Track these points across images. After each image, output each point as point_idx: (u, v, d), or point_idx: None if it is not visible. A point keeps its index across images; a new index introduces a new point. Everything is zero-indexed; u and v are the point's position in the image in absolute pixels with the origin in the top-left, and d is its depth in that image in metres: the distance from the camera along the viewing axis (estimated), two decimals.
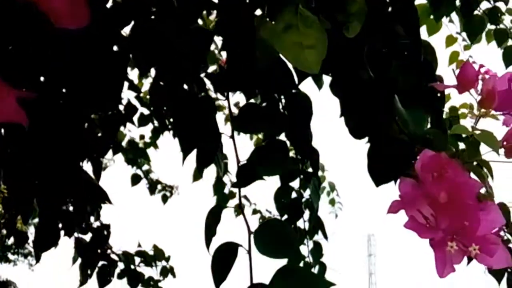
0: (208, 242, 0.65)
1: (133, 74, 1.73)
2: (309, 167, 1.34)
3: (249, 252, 0.60)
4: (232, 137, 0.72)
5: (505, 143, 0.61)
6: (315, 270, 1.69)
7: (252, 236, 0.61)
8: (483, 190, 0.61)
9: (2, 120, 0.56)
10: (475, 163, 0.63)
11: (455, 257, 0.54)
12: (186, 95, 0.85)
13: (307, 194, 1.54)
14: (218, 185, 1.68)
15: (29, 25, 0.63)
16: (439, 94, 0.76)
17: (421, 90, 0.72)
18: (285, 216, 1.46)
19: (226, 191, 1.85)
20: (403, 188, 0.57)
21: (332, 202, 2.58)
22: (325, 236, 1.60)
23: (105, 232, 1.53)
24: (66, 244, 1.44)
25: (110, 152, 1.96)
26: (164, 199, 2.31)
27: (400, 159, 0.65)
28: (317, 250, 1.63)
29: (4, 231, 1.61)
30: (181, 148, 0.73)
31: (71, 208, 1.26)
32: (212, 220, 0.64)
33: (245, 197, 1.75)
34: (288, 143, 0.86)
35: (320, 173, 2.49)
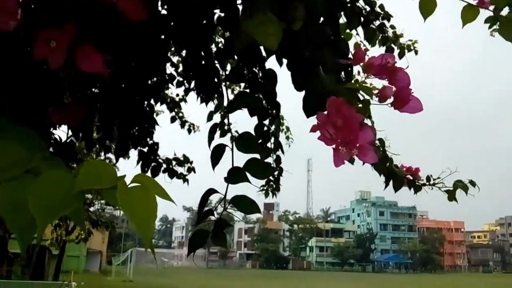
0: (209, 143, 0.65)
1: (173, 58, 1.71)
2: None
3: (232, 149, 0.62)
4: (224, 84, 0.72)
5: (379, 94, 0.62)
6: (277, 172, 1.74)
7: (234, 141, 0.62)
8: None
9: (93, 70, 0.55)
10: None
11: (345, 156, 0.57)
12: (201, 65, 0.84)
13: (273, 128, 1.56)
14: (222, 124, 1.70)
15: (109, 18, 0.62)
16: (349, 68, 0.76)
17: (337, 64, 0.72)
18: (260, 140, 1.48)
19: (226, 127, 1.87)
20: (319, 117, 0.59)
21: (287, 138, 2.62)
22: (283, 152, 1.63)
23: (156, 147, 1.55)
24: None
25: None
26: (189, 131, 2.36)
27: (312, 102, 0.66)
28: (278, 160, 1.66)
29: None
30: (196, 91, 0.74)
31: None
32: (212, 131, 0.65)
33: (237, 131, 1.77)
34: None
35: (280, 120, 2.50)
